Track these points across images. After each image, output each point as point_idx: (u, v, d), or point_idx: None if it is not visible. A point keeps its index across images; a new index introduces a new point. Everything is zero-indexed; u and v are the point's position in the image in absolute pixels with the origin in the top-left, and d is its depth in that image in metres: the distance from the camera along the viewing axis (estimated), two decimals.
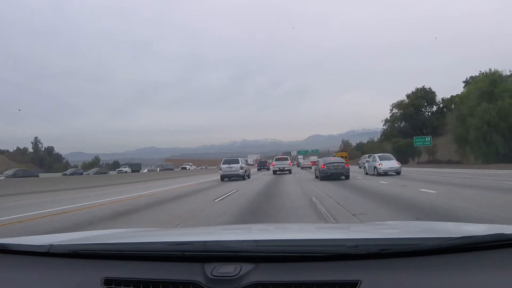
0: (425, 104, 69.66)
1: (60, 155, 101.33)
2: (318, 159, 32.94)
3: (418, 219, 5.61)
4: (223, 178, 22.20)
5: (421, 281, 1.11)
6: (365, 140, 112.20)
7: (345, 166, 19.06)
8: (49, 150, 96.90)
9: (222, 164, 22.81)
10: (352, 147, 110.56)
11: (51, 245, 1.45)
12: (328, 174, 18.43)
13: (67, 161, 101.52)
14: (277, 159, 32.82)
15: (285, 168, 30.61)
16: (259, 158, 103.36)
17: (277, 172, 29.96)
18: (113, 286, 1.25)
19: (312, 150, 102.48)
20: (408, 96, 70.42)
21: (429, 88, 70.59)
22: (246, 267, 1.21)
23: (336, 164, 19.18)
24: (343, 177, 18.55)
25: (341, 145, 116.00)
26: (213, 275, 1.19)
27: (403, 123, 70.39)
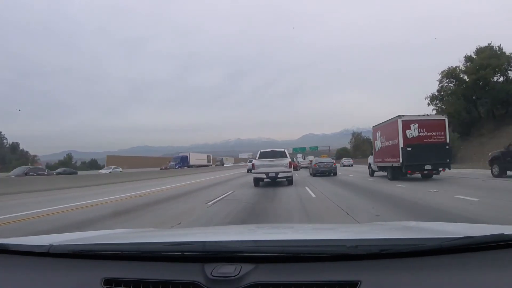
0: (508, 67, 40.93)
1: (27, 152, 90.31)
2: (315, 158, 33.41)
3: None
4: (249, 171, 29.83)
5: (422, 281, 1.12)
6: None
7: (333, 165, 23.42)
8: (14, 146, 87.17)
9: (249, 162, 35.93)
10: (365, 138, 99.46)
11: (51, 245, 1.45)
12: (319, 171, 22.62)
13: (37, 159, 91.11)
14: (262, 155, 16.09)
15: (279, 175, 15.23)
16: (251, 156, 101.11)
17: (264, 180, 15.67)
18: (113, 286, 1.25)
19: (310, 147, 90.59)
20: (468, 59, 44.01)
21: (499, 46, 42.27)
22: (246, 267, 1.21)
23: (325, 163, 23.50)
24: (332, 174, 22.57)
25: (351, 139, 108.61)
26: (213, 276, 1.19)
27: (462, 99, 43.56)
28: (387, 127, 18.02)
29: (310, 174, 24.30)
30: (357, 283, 1.13)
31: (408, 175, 15.85)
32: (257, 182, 15.41)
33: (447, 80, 46.00)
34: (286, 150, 16.97)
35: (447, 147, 16.06)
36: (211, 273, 1.20)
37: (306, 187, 13.91)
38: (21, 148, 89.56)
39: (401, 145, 15.69)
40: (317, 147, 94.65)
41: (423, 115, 17.16)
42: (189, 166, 56.75)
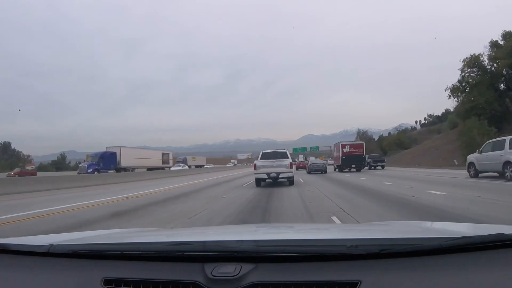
0: None
1: (19, 152, 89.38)
2: (312, 158, 43.91)
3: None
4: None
5: (421, 281, 1.12)
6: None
7: (324, 165, 31.34)
8: (5, 146, 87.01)
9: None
10: (370, 137, 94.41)
11: (51, 245, 1.45)
12: (313, 169, 30.46)
13: (30, 159, 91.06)
14: (264, 155, 16.45)
15: (280, 176, 15.43)
16: (250, 156, 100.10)
17: (266, 180, 15.74)
18: (113, 286, 1.25)
19: (310, 148, 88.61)
20: (494, 44, 39.55)
21: None
22: (246, 267, 1.21)
23: (318, 164, 31.92)
24: (324, 172, 29.89)
25: (357, 137, 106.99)
26: (213, 275, 1.19)
27: (491, 88, 38.73)
28: (337, 145, 34.54)
29: (307, 172, 31.17)
30: (357, 283, 1.13)
31: (344, 170, 31.11)
32: (258, 182, 15.81)
33: (469, 70, 41.47)
34: (287, 151, 17.18)
35: (363, 156, 32.67)
36: (211, 272, 1.20)
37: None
38: (13, 147, 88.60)
39: (341, 155, 32.28)
40: (317, 147, 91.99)
41: (352, 141, 36.82)
42: (120, 169, 37.77)
